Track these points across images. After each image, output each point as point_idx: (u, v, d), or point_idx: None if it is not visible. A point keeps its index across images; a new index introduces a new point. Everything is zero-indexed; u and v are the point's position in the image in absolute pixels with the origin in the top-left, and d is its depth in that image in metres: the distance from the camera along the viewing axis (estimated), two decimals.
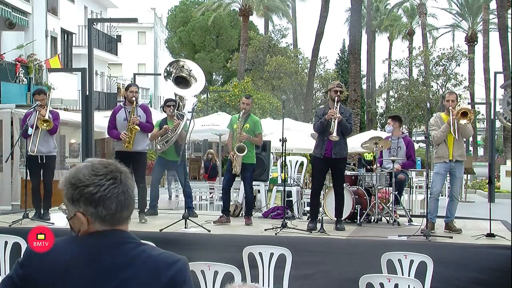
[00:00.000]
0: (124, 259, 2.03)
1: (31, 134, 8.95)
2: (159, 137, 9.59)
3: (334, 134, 8.06)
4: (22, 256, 2.10)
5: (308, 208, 10.86)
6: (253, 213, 10.37)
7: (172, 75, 9.28)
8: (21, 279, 2.04)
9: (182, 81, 9.31)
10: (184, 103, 9.76)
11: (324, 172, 8.56)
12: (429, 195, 8.09)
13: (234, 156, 8.66)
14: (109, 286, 2.00)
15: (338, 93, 8.23)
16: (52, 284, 2.01)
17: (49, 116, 8.95)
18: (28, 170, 9.04)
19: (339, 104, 8.23)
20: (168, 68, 9.37)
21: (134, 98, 9.04)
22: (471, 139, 37.75)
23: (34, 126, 8.92)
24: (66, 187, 2.08)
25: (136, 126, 8.94)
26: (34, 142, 8.97)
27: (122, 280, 2.00)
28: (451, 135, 8.17)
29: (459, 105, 8.32)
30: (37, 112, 8.97)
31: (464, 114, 8.10)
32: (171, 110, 9.67)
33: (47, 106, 9.08)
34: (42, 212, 9.13)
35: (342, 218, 8.94)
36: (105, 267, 2.01)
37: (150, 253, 2.07)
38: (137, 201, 9.54)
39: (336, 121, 8.08)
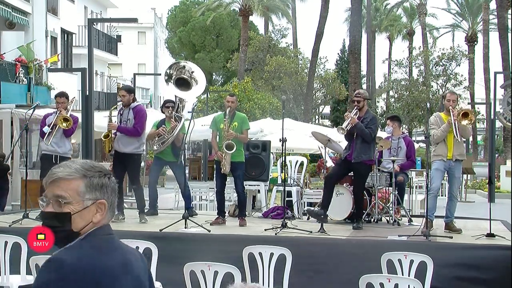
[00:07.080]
0: (133, 253, 2.17)
1: (47, 133, 9.06)
2: (156, 138, 9.59)
3: (343, 126, 8.54)
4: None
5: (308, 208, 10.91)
6: (253, 213, 10.39)
7: (173, 77, 9.24)
8: None
9: (183, 83, 9.27)
10: (184, 105, 9.72)
11: (342, 168, 8.79)
12: (428, 192, 8.07)
13: (223, 155, 8.65)
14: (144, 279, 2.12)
15: (355, 102, 8.70)
16: None
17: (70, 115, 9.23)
18: (40, 169, 9.16)
19: (356, 110, 8.64)
20: (168, 71, 9.31)
21: (121, 102, 9.30)
22: (471, 139, 37.74)
23: (52, 125, 9.13)
24: (92, 173, 2.07)
25: (105, 133, 9.18)
26: (50, 140, 9.13)
27: (138, 271, 2.12)
28: (451, 135, 8.15)
29: (458, 104, 8.32)
30: (58, 112, 9.17)
31: (465, 115, 8.13)
32: (169, 111, 9.66)
33: (67, 110, 9.27)
34: None
35: (343, 218, 9.04)
36: (127, 265, 2.09)
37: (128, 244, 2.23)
38: (136, 201, 9.56)
39: (349, 120, 8.48)
